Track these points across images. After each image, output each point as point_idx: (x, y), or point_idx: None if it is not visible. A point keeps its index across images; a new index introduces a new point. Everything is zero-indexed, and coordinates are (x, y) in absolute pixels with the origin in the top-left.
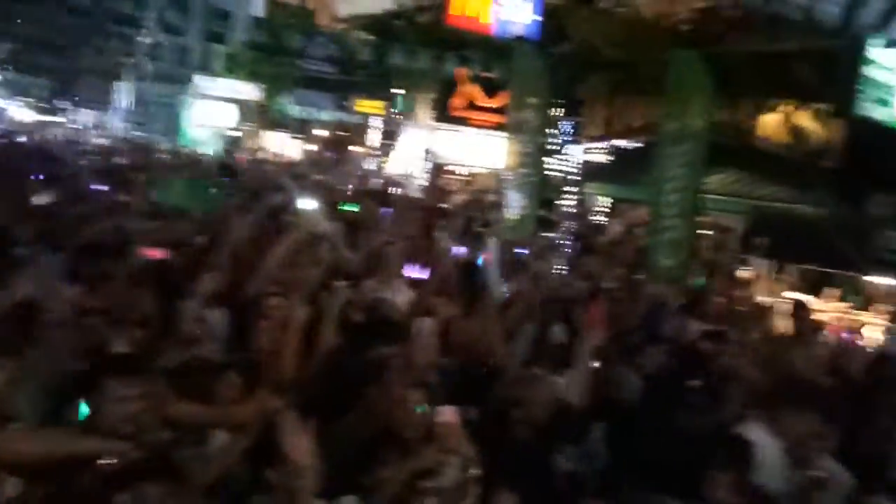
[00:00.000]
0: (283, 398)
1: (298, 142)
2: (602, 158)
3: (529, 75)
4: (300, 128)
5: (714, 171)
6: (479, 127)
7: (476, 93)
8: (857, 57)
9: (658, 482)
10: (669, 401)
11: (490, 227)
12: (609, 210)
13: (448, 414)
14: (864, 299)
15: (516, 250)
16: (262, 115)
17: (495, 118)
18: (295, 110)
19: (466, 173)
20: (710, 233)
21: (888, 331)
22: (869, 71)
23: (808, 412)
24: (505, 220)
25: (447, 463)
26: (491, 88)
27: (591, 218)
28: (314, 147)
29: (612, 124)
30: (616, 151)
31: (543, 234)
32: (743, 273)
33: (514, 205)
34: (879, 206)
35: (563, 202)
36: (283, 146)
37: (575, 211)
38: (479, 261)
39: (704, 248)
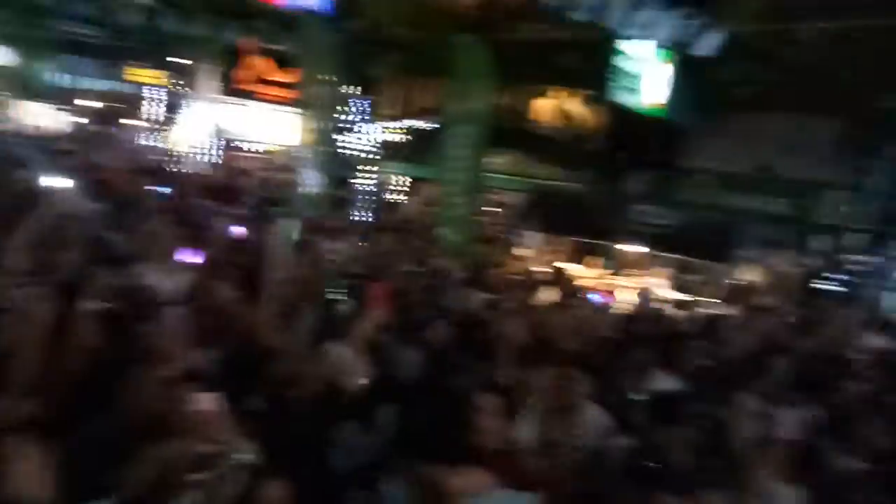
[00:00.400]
0: (29, 402)
1: (61, 113)
2: (398, 138)
3: (321, 51)
4: (63, 97)
5: (496, 151)
6: (268, 102)
7: (265, 66)
8: (609, 48)
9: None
10: (449, 371)
11: (281, 205)
12: (405, 188)
13: (208, 401)
14: (618, 265)
15: (307, 228)
16: (14, 83)
17: (286, 93)
18: (55, 77)
19: (258, 150)
20: (493, 209)
21: (635, 292)
22: (620, 61)
23: (567, 366)
24: (298, 199)
25: (209, 453)
26: (280, 62)
27: (387, 196)
28: (80, 119)
29: (406, 104)
30: (412, 131)
31: (338, 212)
32: (520, 245)
33: (308, 183)
34: (633, 184)
35: (358, 180)
36: (40, 118)
37: (370, 189)
38: (263, 241)
39: (487, 223)
